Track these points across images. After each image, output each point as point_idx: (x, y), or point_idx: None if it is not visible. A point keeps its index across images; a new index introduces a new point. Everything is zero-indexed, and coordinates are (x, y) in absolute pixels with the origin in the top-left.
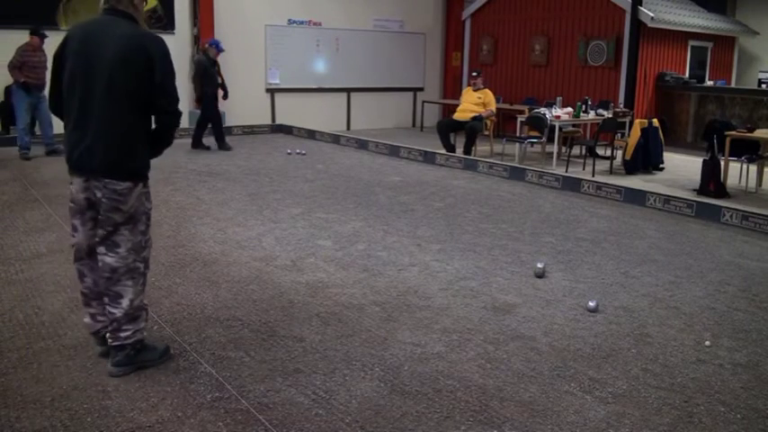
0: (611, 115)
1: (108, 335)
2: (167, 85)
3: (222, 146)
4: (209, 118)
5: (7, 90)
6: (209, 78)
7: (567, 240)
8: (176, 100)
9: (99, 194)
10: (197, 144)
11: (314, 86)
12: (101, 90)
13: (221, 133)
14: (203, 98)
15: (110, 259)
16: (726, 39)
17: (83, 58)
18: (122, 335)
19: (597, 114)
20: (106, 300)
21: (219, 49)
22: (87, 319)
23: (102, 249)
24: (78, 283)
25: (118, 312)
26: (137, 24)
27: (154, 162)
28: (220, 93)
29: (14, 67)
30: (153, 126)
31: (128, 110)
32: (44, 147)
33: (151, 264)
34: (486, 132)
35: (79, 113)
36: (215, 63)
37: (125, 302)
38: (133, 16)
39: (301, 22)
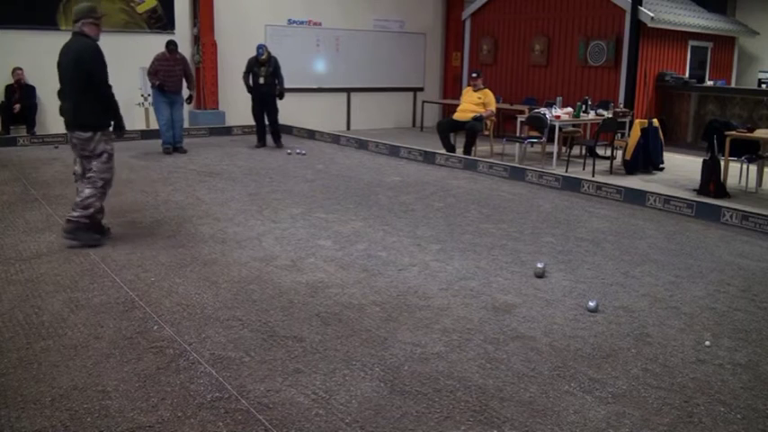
0: (611, 115)
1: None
2: (97, 72)
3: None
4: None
5: (7, 90)
6: (253, 77)
7: (567, 240)
8: (102, 78)
9: (74, 141)
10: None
11: (314, 86)
12: (69, 80)
13: (260, 131)
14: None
15: (88, 175)
16: (726, 39)
17: (63, 63)
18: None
19: (597, 114)
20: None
21: (257, 53)
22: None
23: (88, 173)
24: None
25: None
26: (87, 39)
27: (153, 162)
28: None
29: (149, 72)
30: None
31: (79, 89)
32: (162, 145)
33: (151, 264)
34: (486, 132)
35: (63, 95)
36: (261, 65)
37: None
38: (86, 34)
39: (301, 22)
